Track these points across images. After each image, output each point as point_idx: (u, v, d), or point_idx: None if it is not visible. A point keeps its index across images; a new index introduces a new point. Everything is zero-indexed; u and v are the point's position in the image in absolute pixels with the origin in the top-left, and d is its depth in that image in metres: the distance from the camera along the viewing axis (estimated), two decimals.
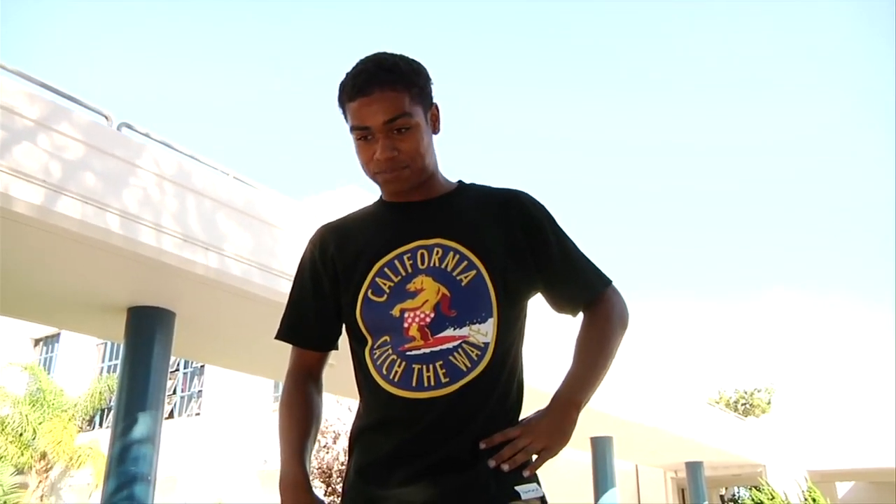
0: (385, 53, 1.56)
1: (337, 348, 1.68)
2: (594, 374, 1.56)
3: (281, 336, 1.68)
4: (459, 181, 1.68)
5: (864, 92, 51.22)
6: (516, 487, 1.40)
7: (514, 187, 1.66)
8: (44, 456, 18.28)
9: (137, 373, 6.56)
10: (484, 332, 1.48)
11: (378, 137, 1.49)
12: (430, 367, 1.44)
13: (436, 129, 1.60)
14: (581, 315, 1.65)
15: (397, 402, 1.45)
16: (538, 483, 1.45)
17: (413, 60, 1.58)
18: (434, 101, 1.60)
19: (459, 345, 1.46)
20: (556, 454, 1.48)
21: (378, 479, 1.44)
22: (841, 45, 52.28)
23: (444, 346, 1.46)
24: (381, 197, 1.66)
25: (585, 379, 1.56)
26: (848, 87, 52.27)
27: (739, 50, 51.81)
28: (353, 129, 1.52)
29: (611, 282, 1.66)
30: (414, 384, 1.44)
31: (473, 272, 1.50)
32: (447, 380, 1.44)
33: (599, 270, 1.65)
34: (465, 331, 1.47)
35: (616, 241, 61.10)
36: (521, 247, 1.56)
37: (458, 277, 1.50)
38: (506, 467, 1.41)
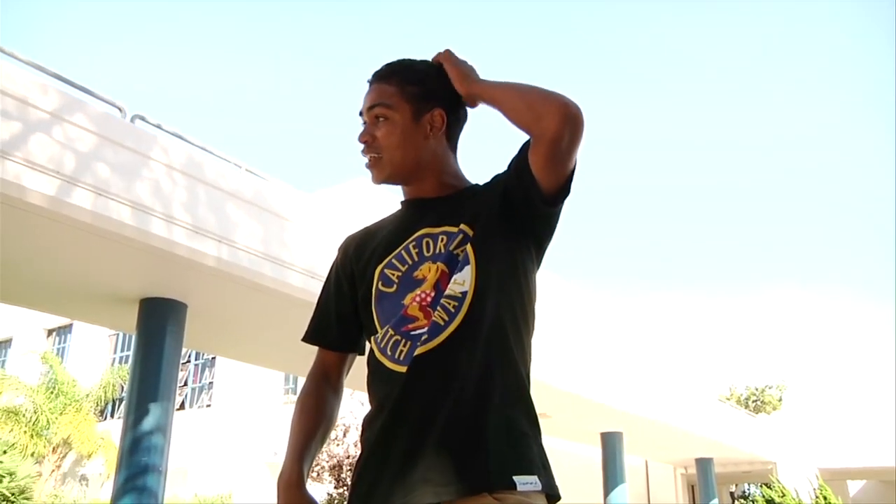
0: (410, 58, 1.70)
1: (362, 353, 1.69)
2: (503, 82, 1.58)
3: (306, 338, 1.73)
4: (476, 184, 1.72)
5: (867, 88, 50.91)
6: (514, 477, 1.36)
7: None
8: (56, 447, 18.38)
9: (149, 364, 6.59)
10: (461, 280, 1.48)
11: (365, 125, 1.65)
12: (423, 338, 1.45)
13: (432, 132, 1.62)
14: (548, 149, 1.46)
15: (397, 377, 1.45)
16: (545, 476, 1.41)
17: (432, 66, 1.66)
18: (447, 109, 1.63)
19: (440, 302, 1.47)
20: (446, 61, 1.63)
21: (378, 468, 1.43)
22: (843, 41, 51.90)
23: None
24: (401, 201, 1.72)
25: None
26: (851, 83, 52.01)
27: (744, 46, 51.49)
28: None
29: None
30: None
31: (468, 244, 1.52)
32: (426, 337, 1.44)
33: None
34: (449, 289, 1.48)
35: (626, 236, 60.95)
36: (505, 198, 1.55)
37: (455, 252, 1.51)
38: None
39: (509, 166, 1.56)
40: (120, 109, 5.92)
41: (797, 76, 51.68)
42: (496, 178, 1.61)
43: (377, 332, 1.54)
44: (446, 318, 1.45)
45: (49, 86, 5.34)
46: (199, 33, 54.57)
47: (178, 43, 53.66)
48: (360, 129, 1.66)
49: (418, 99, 1.62)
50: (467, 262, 1.49)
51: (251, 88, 59.24)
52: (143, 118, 6.11)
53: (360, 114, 1.66)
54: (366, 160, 1.65)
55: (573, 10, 52.67)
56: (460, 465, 1.37)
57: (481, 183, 1.71)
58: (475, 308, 1.46)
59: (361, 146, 1.64)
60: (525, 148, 1.51)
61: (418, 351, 1.43)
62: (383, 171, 1.63)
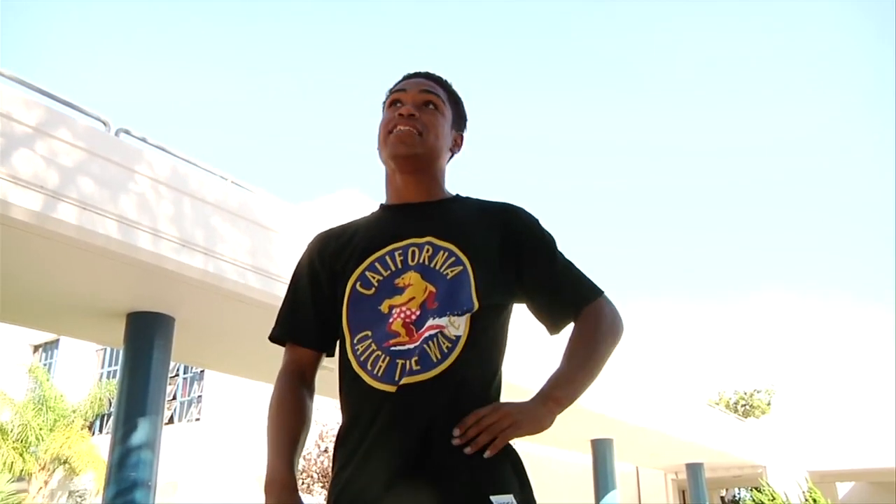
0: None
1: (333, 353, 1.65)
2: (579, 376, 1.56)
3: (277, 336, 1.66)
4: (457, 194, 1.73)
5: (861, 91, 51.31)
6: (491, 497, 1.35)
7: (510, 202, 1.71)
8: (45, 465, 18.21)
9: (137, 378, 6.56)
10: (457, 325, 1.46)
11: (406, 103, 1.66)
12: (410, 361, 1.42)
13: (454, 149, 1.76)
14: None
15: (377, 395, 1.42)
16: (521, 494, 1.41)
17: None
18: (463, 133, 1.78)
19: (436, 334, 1.44)
20: (522, 434, 1.43)
21: (356, 483, 1.42)
22: (840, 44, 52.38)
23: (424, 336, 1.44)
24: (381, 204, 1.71)
25: (569, 379, 1.55)
26: (845, 86, 52.37)
27: (736, 50, 51.91)
28: (389, 92, 1.71)
29: (602, 292, 1.65)
30: (396, 378, 1.42)
31: (460, 268, 1.51)
32: (418, 367, 1.42)
33: (591, 281, 1.67)
34: (444, 321, 1.46)
35: (613, 243, 61.15)
36: (509, 254, 1.58)
37: (445, 272, 1.51)
38: (468, 450, 1.38)
39: (541, 269, 1.62)
40: (105, 123, 5.91)
41: (793, 78, 52.11)
42: (513, 226, 1.63)
43: (346, 336, 1.51)
44: (439, 357, 1.43)
45: (32, 100, 5.32)
46: (182, 45, 54.51)
47: (161, 55, 53.57)
48: (389, 109, 1.68)
49: (455, 115, 1.74)
50: (470, 309, 1.48)
51: (235, 100, 59.23)
52: (127, 132, 6.10)
53: (401, 90, 1.68)
54: (398, 131, 1.62)
55: (571, 13, 52.92)
56: (437, 492, 1.36)
57: (470, 194, 1.73)
58: (466, 352, 1.45)
59: (401, 117, 1.63)
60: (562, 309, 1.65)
61: (407, 380, 1.41)
62: (417, 147, 1.62)
